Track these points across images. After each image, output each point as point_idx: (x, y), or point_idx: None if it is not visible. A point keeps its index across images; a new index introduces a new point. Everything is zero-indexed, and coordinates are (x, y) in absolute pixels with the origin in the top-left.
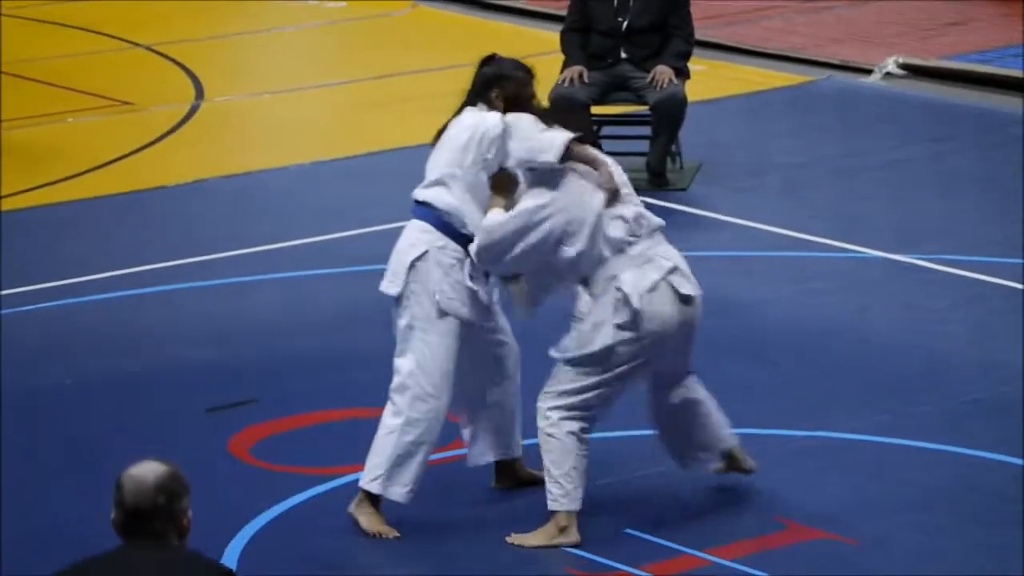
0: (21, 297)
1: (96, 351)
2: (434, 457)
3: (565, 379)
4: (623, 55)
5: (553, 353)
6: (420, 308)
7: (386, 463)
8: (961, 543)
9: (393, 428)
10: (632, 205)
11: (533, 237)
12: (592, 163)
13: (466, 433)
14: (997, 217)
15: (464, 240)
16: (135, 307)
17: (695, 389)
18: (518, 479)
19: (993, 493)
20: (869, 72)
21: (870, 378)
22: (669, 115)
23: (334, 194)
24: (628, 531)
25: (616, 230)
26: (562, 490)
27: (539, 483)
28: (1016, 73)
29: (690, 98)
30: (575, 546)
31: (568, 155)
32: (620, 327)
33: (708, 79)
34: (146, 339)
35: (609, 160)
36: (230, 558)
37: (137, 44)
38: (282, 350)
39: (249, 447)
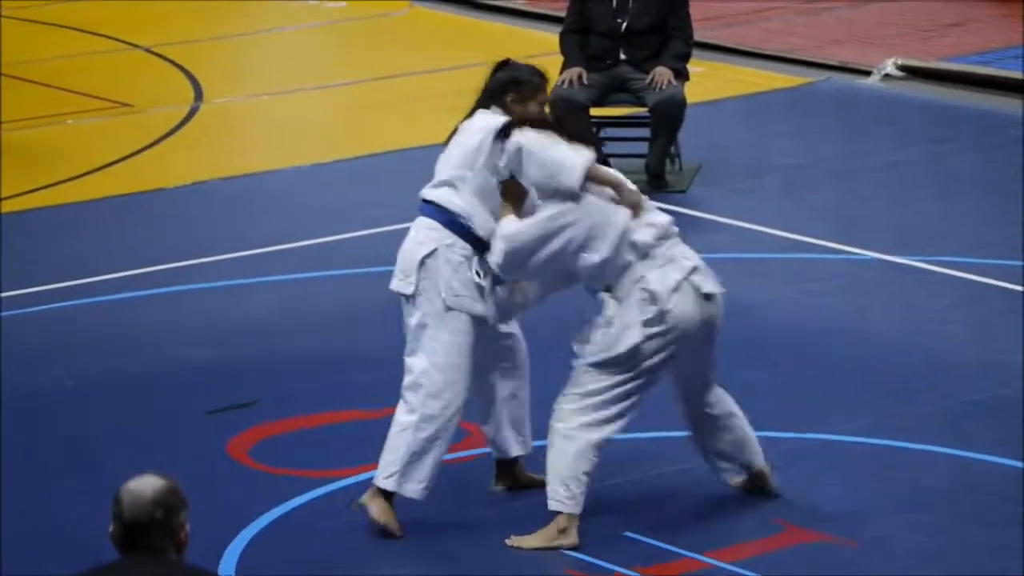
0: (21, 298)
1: (96, 352)
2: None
3: (589, 381)
4: (622, 56)
5: (577, 357)
6: (431, 306)
7: (401, 460)
8: (961, 544)
9: (407, 425)
10: (656, 213)
11: (555, 244)
12: (612, 185)
13: (489, 429)
14: (996, 219)
15: (472, 239)
16: (135, 308)
17: (725, 401)
18: (517, 481)
19: (993, 494)
20: (868, 73)
21: (869, 379)
22: (668, 116)
23: (334, 195)
24: (627, 534)
25: (644, 235)
26: (568, 493)
27: (538, 486)
28: (1016, 75)
29: (689, 99)
30: (574, 549)
31: (587, 177)
32: (646, 324)
33: (707, 80)
34: (146, 340)
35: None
36: (229, 560)
37: (136, 45)
38: (282, 351)
39: (248, 449)
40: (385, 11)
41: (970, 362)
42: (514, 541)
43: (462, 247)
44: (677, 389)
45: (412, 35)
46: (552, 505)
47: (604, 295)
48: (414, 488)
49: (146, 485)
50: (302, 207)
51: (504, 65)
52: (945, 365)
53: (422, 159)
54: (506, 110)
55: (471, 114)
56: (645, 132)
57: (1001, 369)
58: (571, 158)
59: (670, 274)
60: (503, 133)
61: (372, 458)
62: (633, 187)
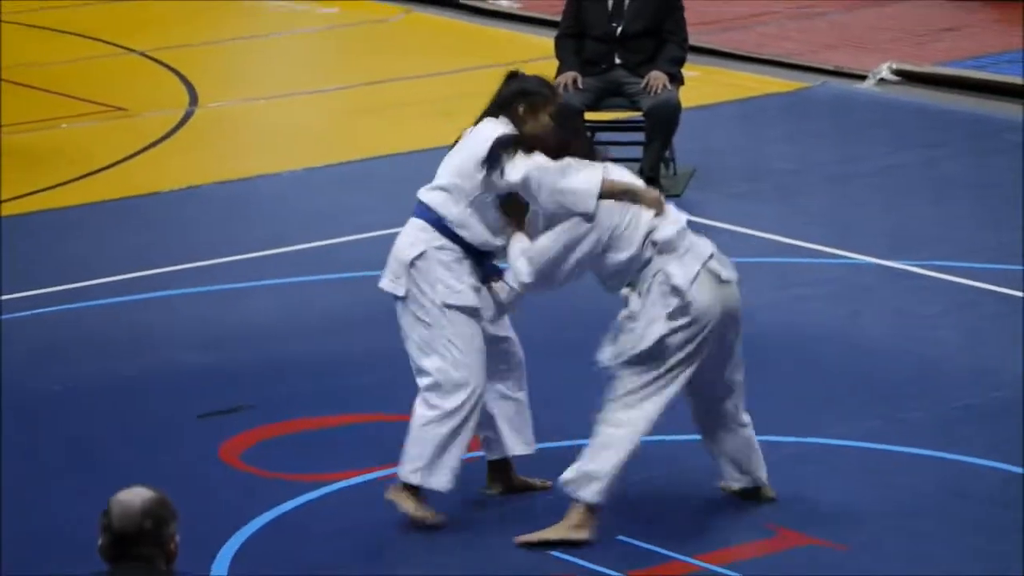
0: (17, 302)
1: (91, 355)
2: None
3: (627, 383)
4: (617, 61)
5: (606, 360)
6: (429, 306)
7: (427, 455)
8: (952, 549)
9: (430, 419)
10: (671, 207)
11: (580, 251)
12: (629, 196)
13: (484, 431)
14: (990, 223)
15: (461, 242)
16: (130, 312)
17: (741, 410)
18: (510, 484)
19: (984, 499)
20: (863, 78)
21: (862, 384)
22: (663, 121)
23: (328, 199)
24: (620, 537)
25: (665, 232)
26: (596, 485)
27: (530, 490)
28: (1010, 79)
29: (684, 104)
30: (584, 544)
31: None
32: (671, 317)
33: (702, 85)
34: (141, 344)
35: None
36: (221, 564)
37: (131, 50)
38: (276, 355)
39: (240, 453)
40: (379, 16)
41: (963, 367)
42: (525, 538)
43: (451, 248)
44: (703, 385)
45: (406, 40)
46: (578, 494)
47: (626, 291)
48: (441, 481)
49: (135, 496)
50: (296, 211)
51: (513, 76)
52: (938, 370)
53: (415, 163)
54: (516, 121)
55: (479, 121)
56: (640, 136)
57: (994, 374)
58: (582, 184)
59: (689, 265)
60: (494, 158)
61: (365, 462)
62: (648, 188)
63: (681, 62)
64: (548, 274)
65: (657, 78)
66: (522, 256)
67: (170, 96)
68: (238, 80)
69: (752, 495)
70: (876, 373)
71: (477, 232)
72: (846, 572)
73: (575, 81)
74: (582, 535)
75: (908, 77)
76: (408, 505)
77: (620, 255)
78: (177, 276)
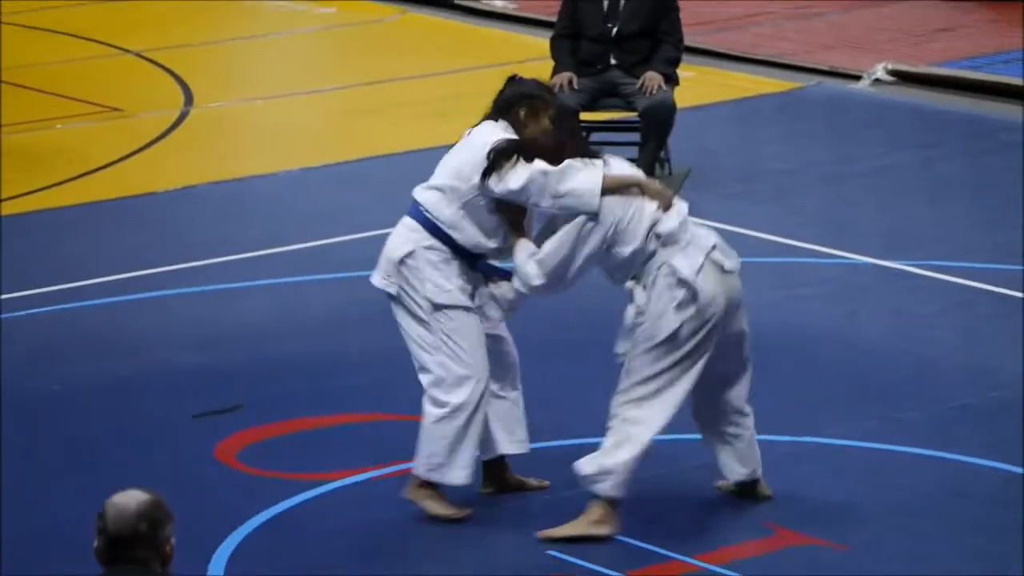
0: (14, 302)
1: (88, 355)
2: None
3: (638, 375)
4: (613, 61)
5: (620, 354)
6: (423, 304)
7: (443, 451)
8: (950, 548)
9: (439, 416)
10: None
11: (588, 247)
12: (632, 189)
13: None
14: (986, 223)
15: (451, 243)
16: (126, 312)
17: (745, 401)
18: (505, 483)
19: (982, 498)
20: (858, 78)
21: (858, 383)
22: (658, 121)
23: (324, 200)
24: (618, 537)
25: (668, 224)
26: (612, 479)
27: (525, 489)
28: (1006, 79)
29: (679, 104)
30: (609, 538)
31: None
32: (679, 308)
33: (697, 85)
34: (137, 344)
35: (630, 167)
36: (218, 563)
37: (126, 50)
38: (272, 355)
39: (237, 452)
40: (376, 16)
41: (959, 367)
42: (548, 533)
43: (440, 248)
44: (708, 375)
45: (403, 40)
46: (598, 488)
47: (630, 284)
48: (459, 475)
49: (130, 499)
50: (292, 211)
51: (512, 80)
52: (935, 370)
53: (411, 164)
54: (516, 125)
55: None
56: (635, 136)
57: (991, 374)
58: (584, 184)
59: (693, 256)
60: (494, 166)
61: (361, 461)
62: (651, 179)
63: (676, 62)
64: (558, 276)
65: (652, 79)
66: (530, 260)
67: (165, 96)
68: (234, 80)
69: (749, 492)
70: (873, 373)
71: (469, 234)
72: (844, 572)
73: (571, 82)
74: (603, 530)
75: (903, 77)
76: (430, 504)
77: (625, 249)
78: (173, 276)
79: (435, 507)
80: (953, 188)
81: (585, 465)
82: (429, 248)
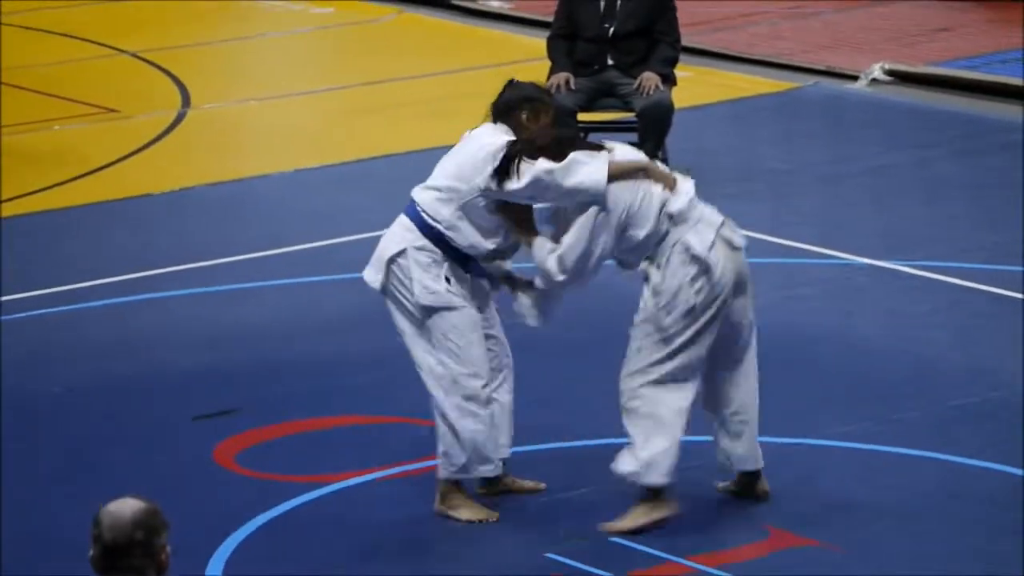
0: (12, 303)
1: (87, 357)
2: (422, 465)
3: (652, 352)
4: (610, 61)
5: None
6: (416, 305)
7: (464, 450)
8: (948, 549)
9: (454, 417)
10: (681, 178)
11: (605, 236)
12: (638, 173)
13: None
14: (984, 224)
15: (444, 244)
16: (126, 313)
17: (753, 385)
18: (502, 485)
19: (980, 499)
20: (855, 78)
21: (857, 384)
22: (656, 121)
23: (324, 200)
24: (613, 539)
25: (678, 203)
26: (659, 467)
27: (523, 491)
28: (1003, 79)
29: (676, 104)
30: (670, 519)
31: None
32: (693, 281)
33: (695, 85)
34: (137, 345)
35: (632, 151)
36: (216, 565)
37: (122, 51)
38: (272, 356)
39: (236, 454)
40: (373, 16)
41: (957, 367)
42: (615, 527)
43: (431, 250)
44: (716, 352)
45: (400, 40)
46: (640, 479)
47: (644, 264)
48: (487, 468)
49: (126, 507)
50: (291, 212)
51: (511, 84)
52: (932, 370)
53: (410, 164)
54: (517, 127)
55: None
56: (632, 137)
57: (990, 374)
58: (590, 176)
59: (704, 232)
60: (503, 170)
61: (361, 463)
62: (654, 162)
63: (674, 62)
64: (580, 268)
65: (649, 79)
66: (551, 256)
67: (162, 97)
68: (231, 81)
69: (750, 488)
70: (872, 373)
71: (467, 234)
72: (842, 573)
73: (568, 82)
74: (664, 513)
75: (900, 77)
76: (463, 512)
77: (639, 232)
78: (172, 277)
79: (466, 513)
80: (950, 188)
81: (623, 464)
82: (420, 249)
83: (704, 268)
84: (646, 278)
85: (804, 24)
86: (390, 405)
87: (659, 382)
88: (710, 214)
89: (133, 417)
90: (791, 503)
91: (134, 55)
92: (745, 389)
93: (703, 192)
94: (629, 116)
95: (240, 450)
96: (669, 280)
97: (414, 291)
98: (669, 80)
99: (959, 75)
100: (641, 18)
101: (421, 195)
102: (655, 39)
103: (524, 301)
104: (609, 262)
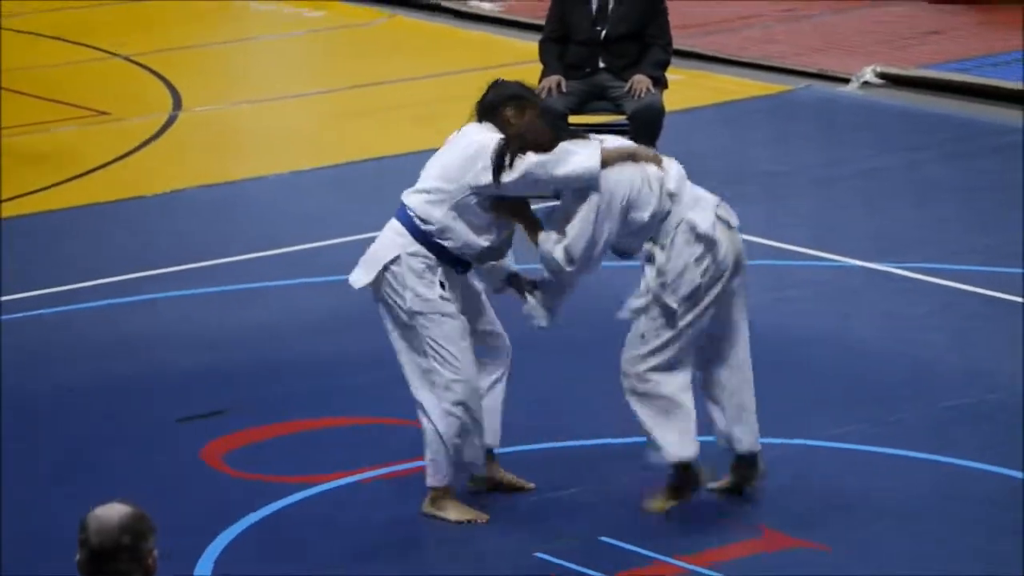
0: (12, 304)
1: (84, 358)
2: (412, 465)
3: (657, 333)
4: (601, 64)
5: (634, 310)
6: (407, 312)
7: (451, 457)
8: (944, 550)
9: (439, 422)
10: (668, 159)
11: (609, 221)
12: (629, 156)
13: None
14: (975, 226)
15: (436, 248)
16: (119, 314)
17: (747, 367)
18: (492, 479)
19: (977, 501)
20: (847, 81)
21: (852, 386)
22: (647, 124)
23: (315, 203)
24: (603, 538)
25: (672, 182)
26: (679, 442)
27: (513, 488)
28: (994, 82)
29: (668, 107)
30: (700, 486)
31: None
32: (698, 261)
33: (686, 88)
34: (130, 346)
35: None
36: (205, 565)
37: (114, 54)
38: (266, 358)
39: (223, 455)
40: (364, 20)
41: (953, 369)
42: (649, 505)
43: (424, 255)
44: (713, 329)
45: (391, 44)
46: (669, 458)
47: (648, 245)
48: (474, 468)
49: (112, 512)
50: (284, 214)
51: (495, 84)
52: (927, 371)
53: (402, 166)
54: (503, 125)
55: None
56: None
57: (987, 375)
58: (583, 163)
59: (705, 211)
60: (497, 166)
61: (354, 464)
62: (643, 147)
63: (665, 66)
64: (587, 257)
65: (641, 82)
66: (557, 247)
67: (153, 100)
68: (223, 84)
69: (746, 475)
70: (868, 375)
71: (460, 234)
72: (835, 573)
73: (559, 85)
74: (696, 484)
75: (892, 80)
76: (450, 514)
77: (643, 213)
78: (169, 278)
79: (455, 514)
80: (942, 191)
81: (652, 456)
82: (413, 255)
83: (710, 246)
84: (649, 259)
85: (796, 27)
86: (384, 406)
87: (665, 364)
88: (704, 193)
89: (130, 417)
90: (784, 503)
91: (126, 58)
92: (741, 370)
93: None
94: (620, 119)
95: (234, 450)
96: (675, 260)
97: (407, 298)
98: (660, 83)
99: (950, 78)
100: (633, 21)
101: (411, 199)
102: (647, 42)
103: (532, 302)
104: (609, 263)
